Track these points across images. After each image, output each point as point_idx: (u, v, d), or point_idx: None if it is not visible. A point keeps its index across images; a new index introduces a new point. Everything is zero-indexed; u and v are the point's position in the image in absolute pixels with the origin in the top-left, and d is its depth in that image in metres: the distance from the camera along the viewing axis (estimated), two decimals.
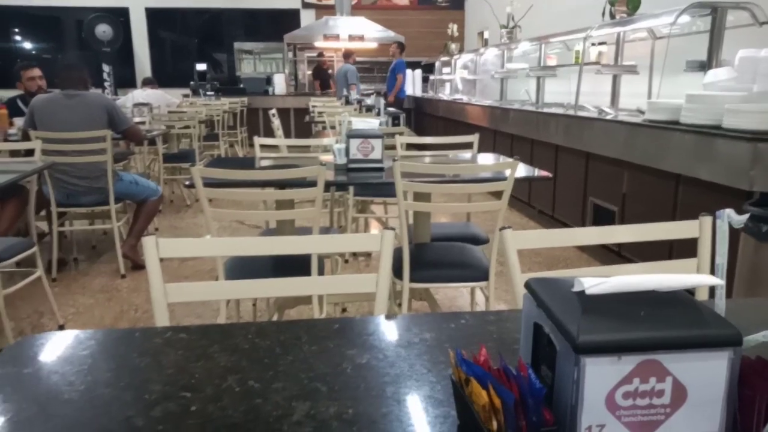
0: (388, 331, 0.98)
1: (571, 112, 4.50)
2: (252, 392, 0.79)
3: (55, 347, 0.93)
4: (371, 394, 0.78)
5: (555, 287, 0.66)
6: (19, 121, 3.96)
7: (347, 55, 8.94)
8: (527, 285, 0.69)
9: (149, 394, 0.79)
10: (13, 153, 3.61)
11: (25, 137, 3.46)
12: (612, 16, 4.58)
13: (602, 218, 3.90)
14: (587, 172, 4.10)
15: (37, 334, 0.96)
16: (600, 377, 0.56)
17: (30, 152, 3.20)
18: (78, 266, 3.86)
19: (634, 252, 3.46)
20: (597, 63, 4.86)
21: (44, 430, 0.70)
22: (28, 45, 12.68)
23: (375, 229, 4.76)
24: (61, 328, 2.88)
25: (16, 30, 12.46)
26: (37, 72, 4.46)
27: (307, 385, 0.80)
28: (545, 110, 4.99)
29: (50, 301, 2.88)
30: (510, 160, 2.35)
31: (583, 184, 4.14)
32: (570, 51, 5.53)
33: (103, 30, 10.72)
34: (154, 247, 1.14)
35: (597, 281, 0.61)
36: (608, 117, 3.94)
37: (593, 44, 5.01)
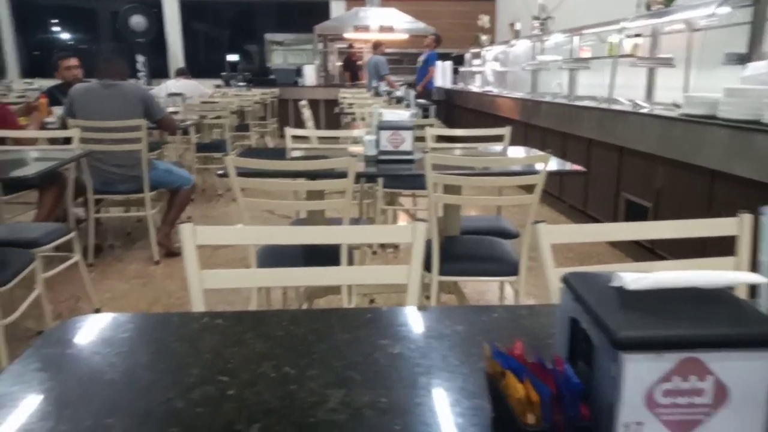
0: (420, 322, 0.99)
1: (604, 105, 4.42)
2: (287, 378, 0.80)
3: (96, 329, 0.96)
4: (404, 384, 0.79)
5: (593, 282, 0.66)
6: (57, 110, 4.05)
7: (376, 46, 8.92)
8: (564, 279, 0.69)
9: (187, 377, 0.81)
10: (52, 141, 3.70)
11: (64, 125, 3.55)
12: (648, 8, 4.48)
13: (635, 214, 3.83)
14: (620, 167, 4.03)
15: (77, 316, 0.99)
16: (639, 374, 0.56)
17: (68, 140, 3.28)
18: (113, 252, 3.95)
19: (667, 249, 3.39)
20: (632, 55, 4.76)
21: (89, 410, 0.73)
22: (65, 36, 13.00)
23: (403, 221, 4.76)
24: (98, 312, 2.96)
25: (54, 21, 12.78)
26: (74, 62, 4.56)
27: (340, 373, 0.81)
28: (578, 103, 4.91)
29: (87, 285, 2.96)
30: (542, 153, 2.32)
31: (615, 178, 4.08)
32: (604, 43, 5.41)
33: (138, 21, 10.90)
34: (191, 235, 1.16)
35: (637, 276, 0.60)
36: (643, 111, 3.86)
37: (628, 36, 4.90)
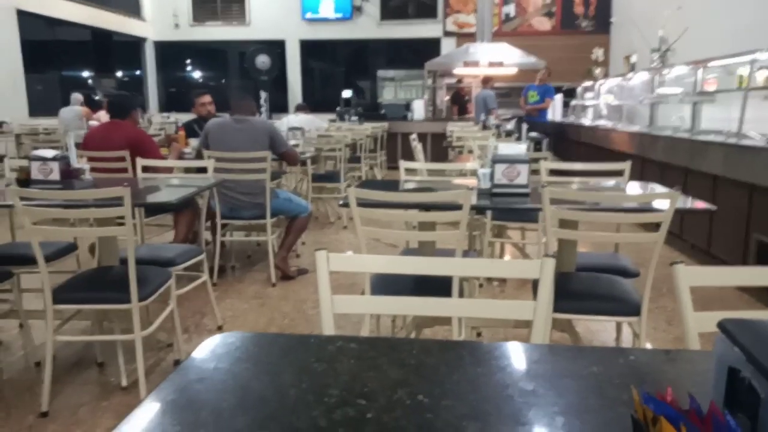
0: (553, 360, 0.98)
1: (732, 140, 4.14)
2: (422, 407, 0.82)
3: (243, 347, 1.03)
4: (542, 422, 0.78)
5: (756, 329, 0.63)
6: (193, 142, 4.44)
7: (486, 80, 8.95)
8: (722, 326, 0.66)
9: (329, 397, 0.85)
10: (187, 170, 4.04)
11: (199, 156, 3.87)
12: None
13: None
14: (751, 206, 3.74)
15: (227, 332, 1.07)
16: None
17: (201, 169, 3.57)
18: (235, 273, 4.21)
19: None
20: (765, 88, 4.44)
21: (245, 421, 0.79)
22: (197, 74, 14.26)
23: (509, 254, 4.69)
24: (220, 329, 3.16)
25: (190, 61, 14.07)
26: (207, 99, 4.98)
27: (475, 406, 0.82)
28: (702, 138, 4.63)
29: (212, 303, 3.17)
30: (668, 190, 2.22)
31: (745, 218, 3.78)
32: (731, 75, 5.10)
33: (263, 60, 11.77)
34: (325, 261, 1.23)
35: None
36: None
37: (761, 68, 4.58)
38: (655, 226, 2.15)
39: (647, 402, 0.64)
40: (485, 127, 7.39)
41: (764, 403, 0.57)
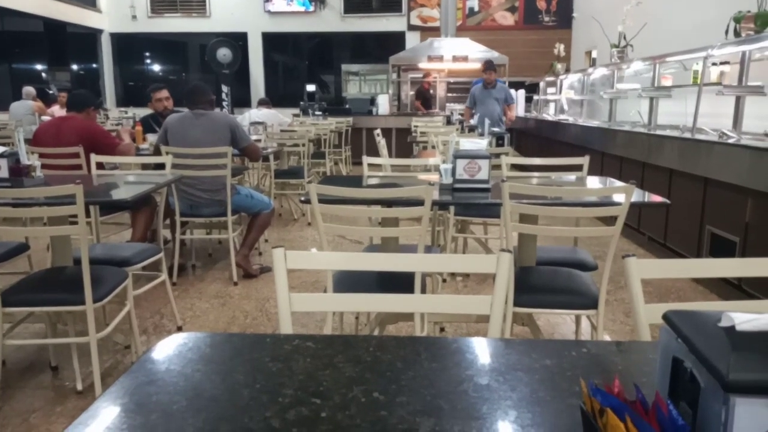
0: (508, 354, 0.99)
1: (687, 134, 4.26)
2: (377, 404, 0.82)
3: (197, 347, 1.01)
4: (495, 416, 0.79)
5: (698, 321, 0.64)
6: (151, 137, 4.33)
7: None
8: (666, 317, 0.68)
9: (283, 397, 0.84)
10: (144, 166, 3.94)
11: (156, 152, 3.78)
12: (737, 34, 4.31)
13: (721, 249, 3.64)
14: (705, 199, 3.86)
15: (180, 333, 1.05)
16: (751, 419, 0.54)
17: (159, 166, 3.48)
18: (195, 272, 4.13)
19: (756, 287, 3.20)
20: (718, 83, 4.57)
21: (194, 424, 0.77)
22: (157, 67, 13.94)
23: (472, 249, 4.73)
24: (180, 329, 3.10)
25: (148, 54, 13.74)
26: (164, 93, 4.87)
27: (429, 401, 0.82)
28: (659, 132, 4.76)
29: (171, 303, 3.11)
30: (624, 184, 2.27)
31: (699, 211, 3.90)
32: (687, 71, 5.24)
33: (224, 54, 11.56)
34: (282, 259, 1.21)
35: (749, 317, 0.58)
36: (731, 141, 3.69)
37: (714, 64, 4.72)
38: (613, 220, 2.19)
39: (595, 394, 0.65)
40: (449, 122, 7.42)
41: (704, 392, 0.58)
